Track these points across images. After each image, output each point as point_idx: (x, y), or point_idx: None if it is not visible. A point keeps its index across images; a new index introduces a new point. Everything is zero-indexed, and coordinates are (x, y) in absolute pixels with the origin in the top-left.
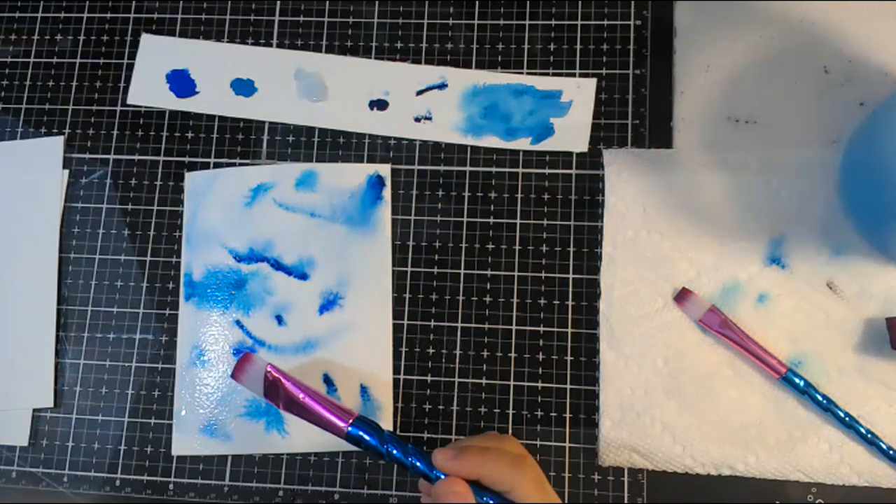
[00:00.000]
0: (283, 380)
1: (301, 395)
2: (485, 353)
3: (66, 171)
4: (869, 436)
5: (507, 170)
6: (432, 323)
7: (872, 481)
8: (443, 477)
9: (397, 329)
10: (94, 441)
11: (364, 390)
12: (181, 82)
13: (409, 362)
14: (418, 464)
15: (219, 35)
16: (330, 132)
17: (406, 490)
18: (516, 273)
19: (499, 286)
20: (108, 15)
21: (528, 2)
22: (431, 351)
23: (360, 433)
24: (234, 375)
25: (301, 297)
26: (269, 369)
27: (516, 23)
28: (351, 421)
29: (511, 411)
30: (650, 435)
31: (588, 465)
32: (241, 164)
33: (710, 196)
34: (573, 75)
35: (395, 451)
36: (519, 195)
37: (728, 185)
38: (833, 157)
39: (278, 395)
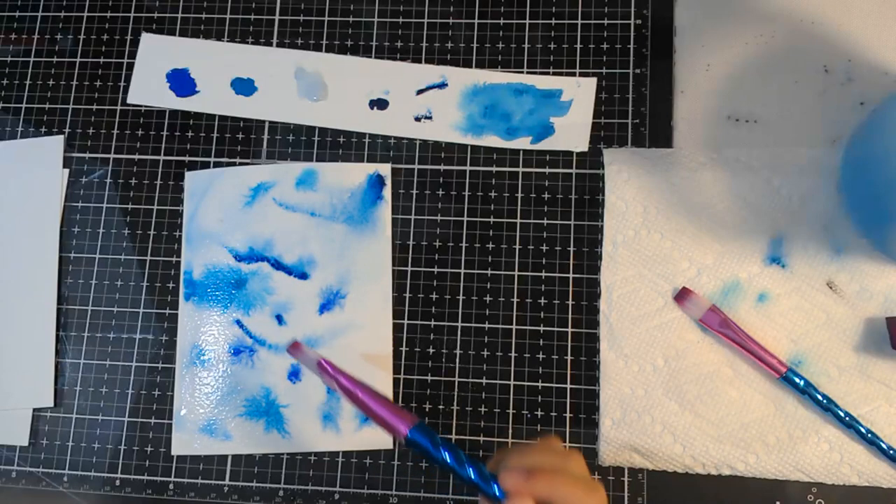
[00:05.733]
0: (337, 377)
1: (358, 393)
2: (485, 353)
3: (66, 171)
4: (869, 435)
5: (507, 169)
6: (432, 323)
7: (873, 481)
8: (499, 495)
9: (397, 329)
10: (94, 441)
11: None
12: (181, 81)
13: (409, 362)
14: (474, 476)
15: (219, 34)
16: (330, 131)
17: (406, 490)
18: (516, 273)
19: (499, 286)
20: (109, 14)
21: (528, 1)
22: (431, 351)
23: (419, 440)
24: (289, 351)
25: (301, 297)
26: (322, 363)
27: (516, 22)
28: (411, 426)
29: (511, 411)
30: (650, 435)
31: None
32: (241, 164)
33: (710, 195)
34: (573, 74)
35: (450, 461)
36: (519, 195)
37: (728, 184)
38: (833, 156)
39: (333, 386)
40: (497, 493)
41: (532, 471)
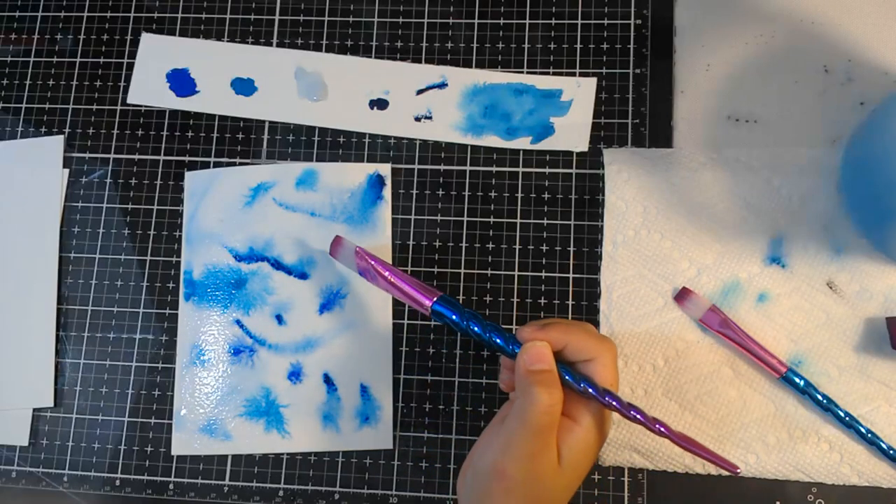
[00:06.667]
0: (370, 260)
1: (388, 274)
2: (485, 353)
3: (66, 171)
4: (869, 435)
5: (507, 169)
6: (432, 323)
7: (873, 481)
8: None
9: (397, 329)
10: (94, 441)
11: (364, 390)
12: (181, 81)
13: (409, 362)
14: (497, 340)
15: (219, 34)
16: (330, 131)
17: (406, 490)
18: (516, 273)
19: (499, 286)
20: (109, 14)
21: (528, 1)
22: (431, 351)
23: (443, 310)
24: (331, 253)
25: (301, 297)
26: (357, 251)
27: (516, 22)
28: (435, 299)
29: None
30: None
31: None
32: (241, 164)
33: (710, 195)
34: (573, 74)
35: (475, 328)
36: (519, 195)
37: (728, 184)
38: (833, 156)
39: (368, 273)
40: (517, 351)
41: (546, 324)
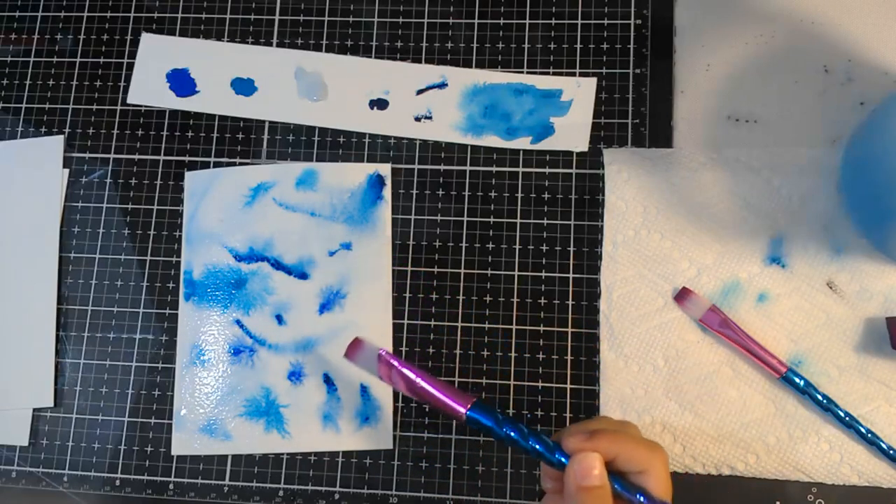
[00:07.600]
0: (397, 365)
1: (417, 379)
2: (485, 353)
3: (66, 171)
4: (869, 435)
5: (507, 169)
6: (432, 323)
7: (873, 481)
8: (564, 461)
9: (397, 329)
10: (94, 441)
11: (364, 390)
12: (181, 81)
13: (409, 362)
14: (538, 447)
15: (219, 34)
16: (330, 131)
17: (406, 490)
18: (516, 273)
19: (499, 286)
20: (109, 14)
21: (528, 1)
22: (431, 351)
23: (478, 417)
24: (346, 355)
25: (301, 297)
26: (381, 354)
27: (516, 22)
28: (469, 406)
29: (511, 411)
30: (650, 435)
31: None
32: (241, 164)
33: (710, 195)
34: (573, 74)
35: (513, 434)
36: (519, 195)
37: (728, 184)
38: (833, 156)
39: (392, 379)
40: (563, 460)
41: (594, 432)
